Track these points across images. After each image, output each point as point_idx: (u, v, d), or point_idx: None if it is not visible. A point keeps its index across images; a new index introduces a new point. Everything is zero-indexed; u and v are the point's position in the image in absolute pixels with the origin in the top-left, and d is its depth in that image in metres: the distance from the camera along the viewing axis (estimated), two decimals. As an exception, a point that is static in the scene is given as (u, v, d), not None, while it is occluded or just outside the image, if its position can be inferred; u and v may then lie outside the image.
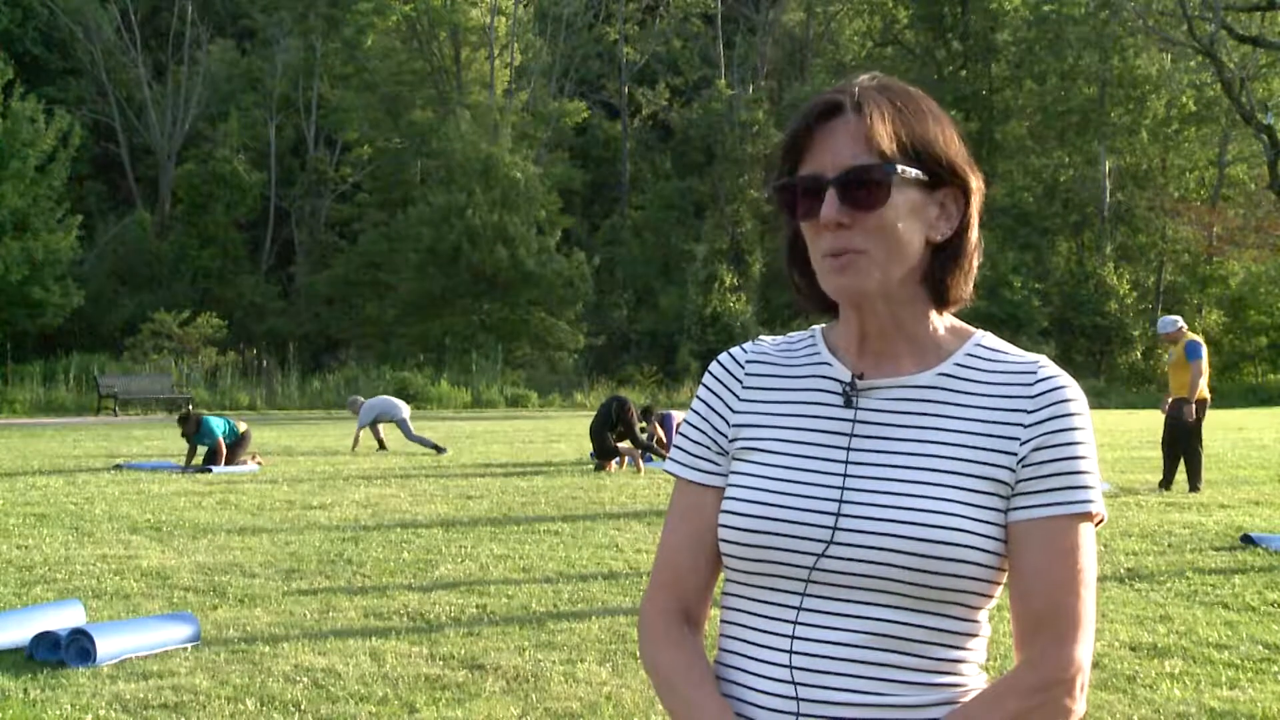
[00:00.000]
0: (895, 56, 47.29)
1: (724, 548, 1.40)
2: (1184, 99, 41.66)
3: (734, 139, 44.18)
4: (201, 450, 13.88)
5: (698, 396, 1.50)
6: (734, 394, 1.46)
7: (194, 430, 13.69)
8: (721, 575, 1.46)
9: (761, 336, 1.53)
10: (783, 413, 1.42)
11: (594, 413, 14.85)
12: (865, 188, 1.29)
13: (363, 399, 17.97)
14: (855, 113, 1.31)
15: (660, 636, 1.44)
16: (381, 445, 17.08)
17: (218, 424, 13.98)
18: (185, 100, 44.90)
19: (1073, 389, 1.34)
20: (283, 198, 45.70)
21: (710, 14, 51.49)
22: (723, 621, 1.44)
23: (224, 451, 13.73)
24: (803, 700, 1.32)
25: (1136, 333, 40.25)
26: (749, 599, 1.39)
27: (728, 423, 1.45)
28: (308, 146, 46.56)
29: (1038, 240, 41.20)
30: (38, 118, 32.89)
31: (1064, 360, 33.74)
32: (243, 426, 14.30)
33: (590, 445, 14.48)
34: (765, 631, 1.36)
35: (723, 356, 1.51)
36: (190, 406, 26.91)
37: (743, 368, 1.48)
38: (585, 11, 51.03)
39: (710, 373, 1.50)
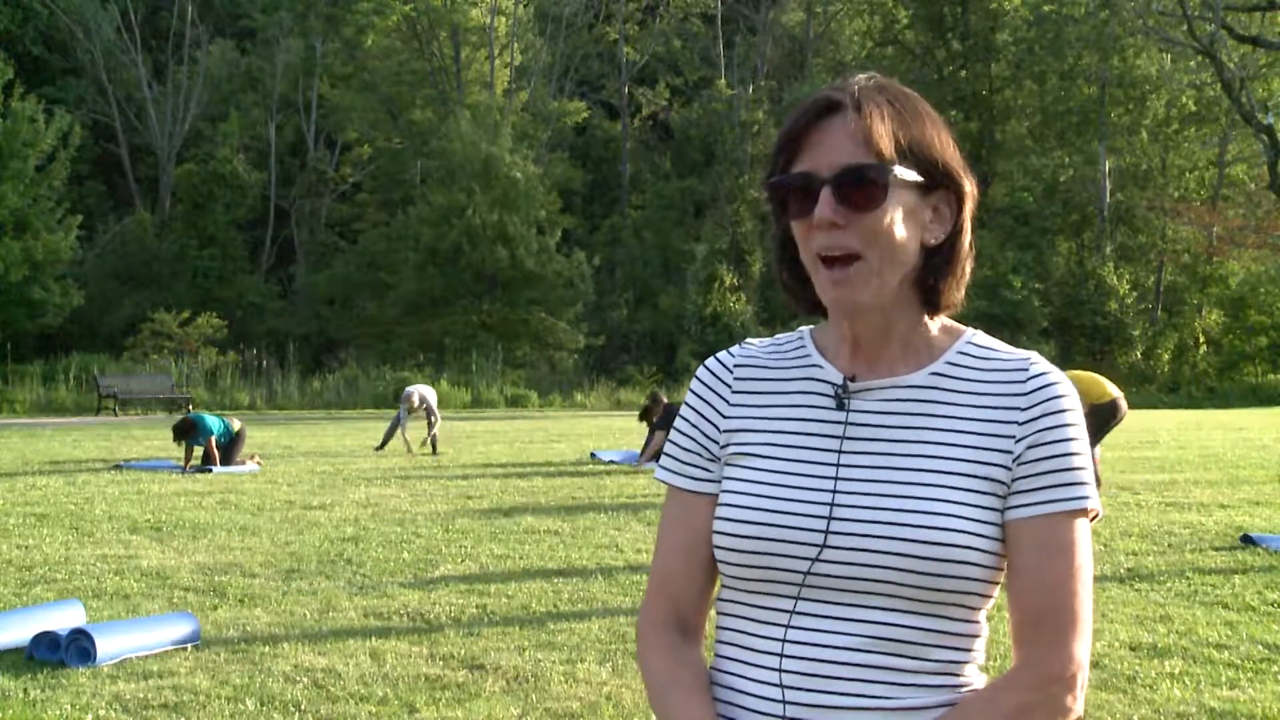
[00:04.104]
0: (895, 56, 47.29)
1: (719, 554, 1.39)
2: (1184, 99, 41.65)
3: (734, 139, 44.17)
4: (199, 449, 13.83)
5: (686, 403, 1.48)
6: (723, 399, 1.45)
7: (191, 434, 13.64)
8: (719, 581, 1.45)
9: (749, 340, 1.51)
10: (774, 416, 1.41)
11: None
12: (862, 188, 1.28)
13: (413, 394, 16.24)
14: (855, 111, 1.30)
15: (652, 645, 1.43)
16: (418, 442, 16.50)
17: (213, 422, 13.94)
18: (185, 100, 44.88)
19: (1064, 385, 1.34)
20: (283, 198, 45.67)
21: (710, 14, 51.46)
22: (718, 628, 1.43)
23: (215, 452, 13.69)
24: (789, 704, 1.31)
25: (1136, 333, 40.23)
26: (744, 604, 1.38)
27: (718, 428, 1.44)
28: (308, 146, 46.54)
29: (1038, 240, 41.16)
30: (38, 118, 32.85)
31: (1064, 360, 33.69)
32: (237, 425, 14.24)
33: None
34: (759, 636, 1.35)
35: (710, 361, 1.49)
36: (190, 406, 26.94)
37: (731, 372, 1.46)
38: (585, 11, 51.00)
39: (698, 378, 1.48)
